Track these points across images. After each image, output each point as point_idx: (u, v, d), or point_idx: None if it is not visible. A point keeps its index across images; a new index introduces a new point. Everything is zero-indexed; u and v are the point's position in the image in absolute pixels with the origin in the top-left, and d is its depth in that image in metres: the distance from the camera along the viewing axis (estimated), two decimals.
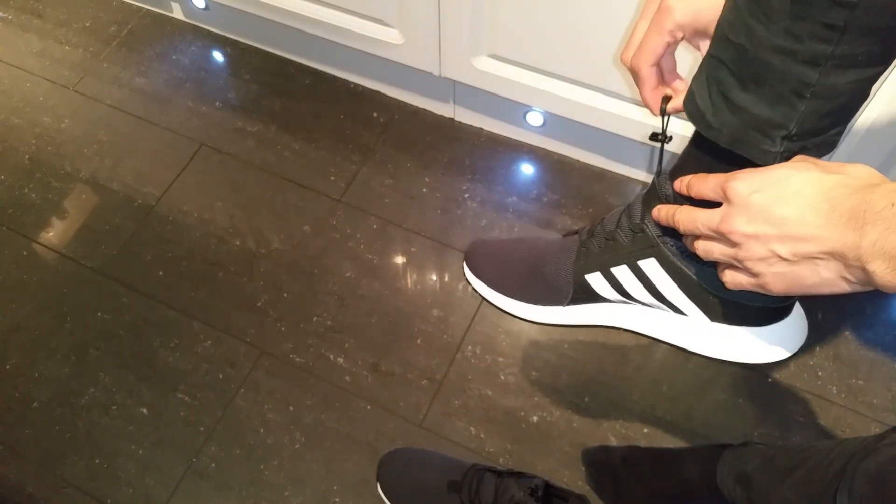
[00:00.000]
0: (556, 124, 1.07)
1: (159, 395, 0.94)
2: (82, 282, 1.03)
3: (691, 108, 0.58)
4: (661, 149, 0.67)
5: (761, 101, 0.53)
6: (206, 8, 1.23)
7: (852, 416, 0.89)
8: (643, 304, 0.76)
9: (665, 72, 0.64)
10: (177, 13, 1.28)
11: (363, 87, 1.19)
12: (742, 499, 0.66)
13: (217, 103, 1.19)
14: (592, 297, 0.77)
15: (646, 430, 0.89)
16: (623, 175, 1.09)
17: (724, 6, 0.53)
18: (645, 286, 0.73)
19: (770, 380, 0.92)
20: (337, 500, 0.87)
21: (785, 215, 0.47)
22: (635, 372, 0.93)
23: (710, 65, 0.56)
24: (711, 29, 0.57)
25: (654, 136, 0.64)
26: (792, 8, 0.47)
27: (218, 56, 1.24)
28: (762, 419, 0.89)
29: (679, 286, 0.70)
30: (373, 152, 1.13)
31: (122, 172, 1.13)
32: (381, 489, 0.85)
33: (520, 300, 0.84)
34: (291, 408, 0.93)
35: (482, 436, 0.90)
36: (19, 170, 1.14)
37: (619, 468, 0.83)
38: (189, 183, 1.11)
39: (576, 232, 0.78)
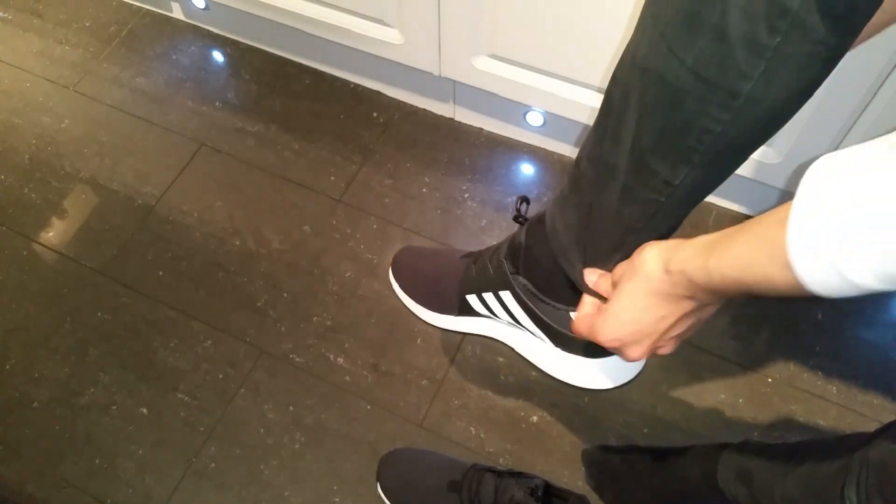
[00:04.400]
0: (556, 124, 1.07)
1: (159, 395, 0.94)
2: (82, 282, 1.03)
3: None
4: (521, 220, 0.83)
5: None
6: (206, 8, 1.23)
7: (852, 417, 0.89)
8: (509, 323, 0.88)
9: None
10: (177, 13, 1.28)
11: (363, 87, 1.19)
12: (744, 496, 0.66)
13: (217, 103, 1.19)
14: (472, 312, 0.90)
15: (646, 430, 0.89)
16: None
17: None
18: (505, 311, 0.86)
19: (770, 380, 0.92)
20: (337, 500, 0.87)
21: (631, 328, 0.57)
22: None
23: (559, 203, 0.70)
24: None
25: (515, 219, 0.83)
26: (622, 194, 0.60)
27: (218, 56, 1.24)
28: (762, 419, 0.89)
29: (528, 316, 0.84)
30: (373, 152, 1.13)
31: (122, 172, 1.13)
32: (381, 489, 0.85)
33: (422, 306, 0.95)
34: (291, 408, 0.93)
35: (482, 436, 0.90)
36: (19, 170, 1.14)
37: (619, 468, 0.83)
38: (189, 183, 1.11)
39: (469, 254, 0.91)
